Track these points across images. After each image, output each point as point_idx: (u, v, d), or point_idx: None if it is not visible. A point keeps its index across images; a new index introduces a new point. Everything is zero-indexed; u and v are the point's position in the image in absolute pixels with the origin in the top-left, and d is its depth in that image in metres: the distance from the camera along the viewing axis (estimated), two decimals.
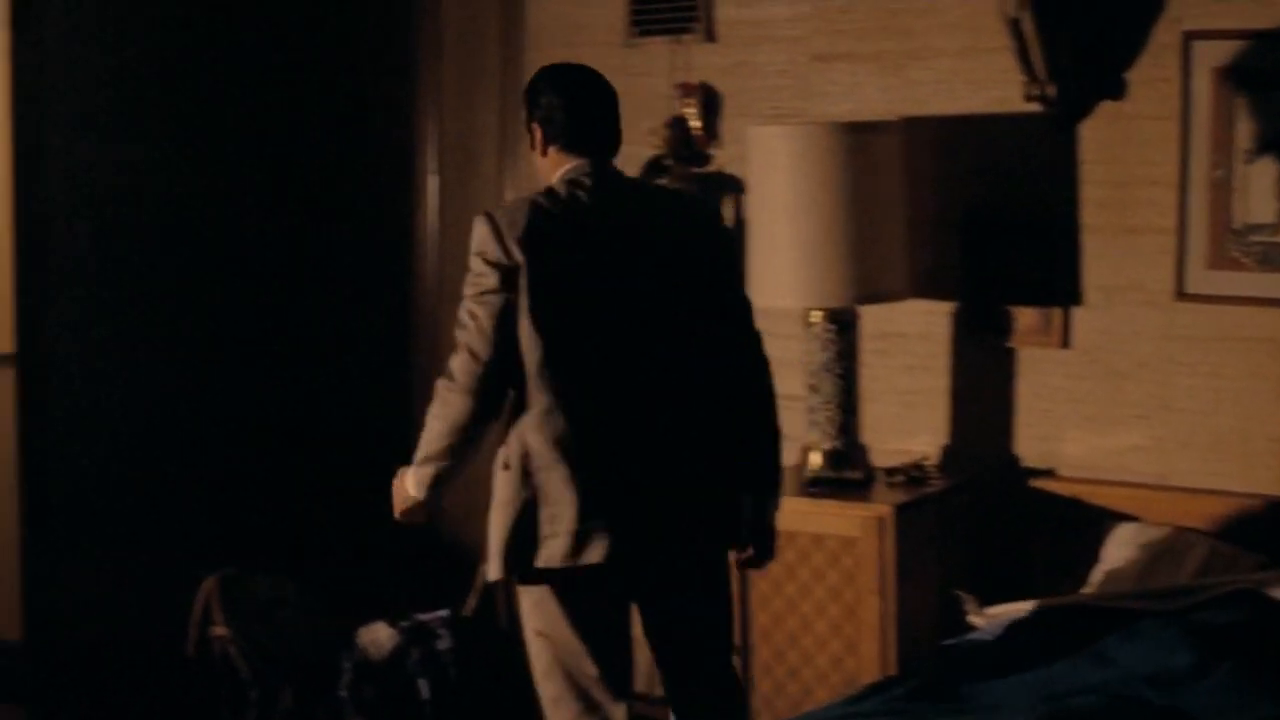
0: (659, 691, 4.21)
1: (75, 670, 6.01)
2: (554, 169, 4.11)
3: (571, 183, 4.04)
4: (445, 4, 5.92)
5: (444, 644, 5.12)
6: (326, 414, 6.10)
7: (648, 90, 5.55)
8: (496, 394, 3.93)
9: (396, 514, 4.16)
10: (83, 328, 5.90)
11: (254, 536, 5.97)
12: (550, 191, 4.03)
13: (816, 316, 4.97)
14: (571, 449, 3.92)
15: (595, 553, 3.91)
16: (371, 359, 6.08)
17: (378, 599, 5.44)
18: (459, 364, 3.90)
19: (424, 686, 5.06)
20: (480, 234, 3.93)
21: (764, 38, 5.41)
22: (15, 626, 6.66)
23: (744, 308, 4.14)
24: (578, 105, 4.11)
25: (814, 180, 4.83)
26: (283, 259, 6.14)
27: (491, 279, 3.89)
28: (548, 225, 3.94)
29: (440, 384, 3.95)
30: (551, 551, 3.92)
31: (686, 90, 5.48)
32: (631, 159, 5.47)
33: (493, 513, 4.00)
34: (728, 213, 5.44)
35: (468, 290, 3.94)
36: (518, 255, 3.89)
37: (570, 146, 4.08)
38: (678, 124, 5.46)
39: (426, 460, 4.00)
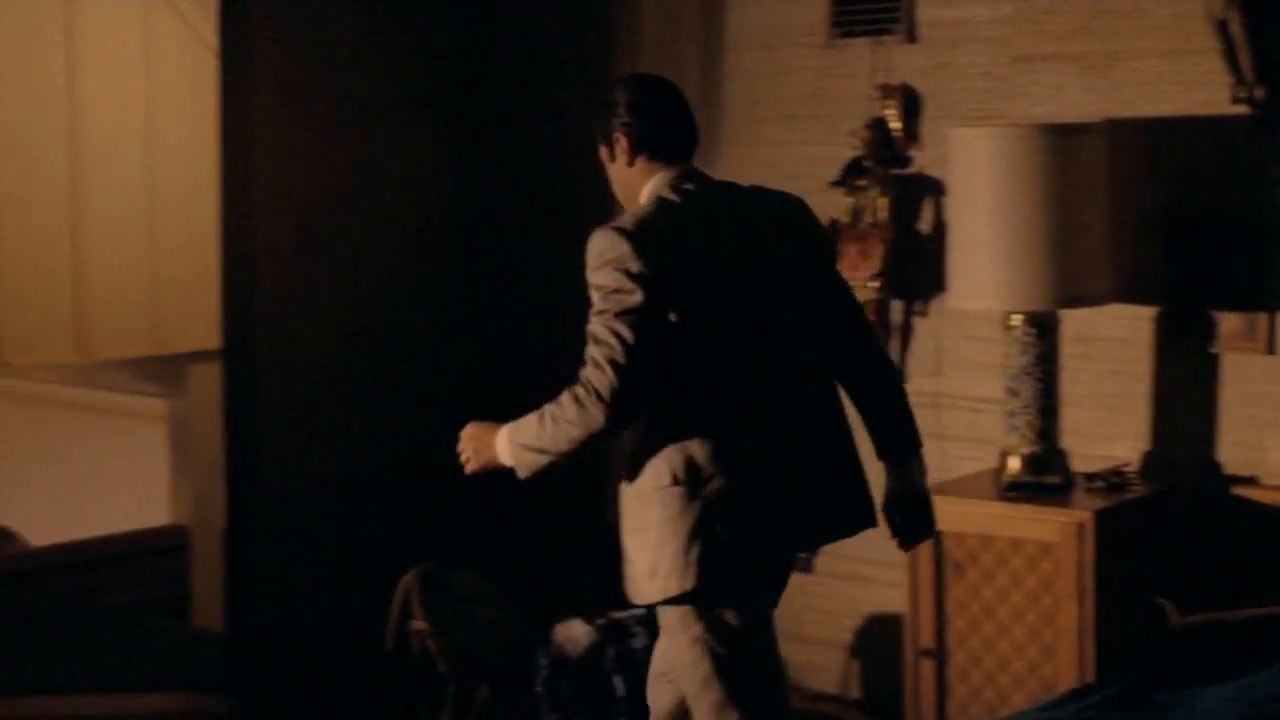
0: (854, 693, 4.21)
1: (276, 661, 6.11)
2: (642, 178, 4.10)
3: (679, 190, 4.04)
4: (644, 7, 5.94)
5: (639, 642, 5.13)
6: (526, 410, 6.14)
7: (847, 91, 5.53)
8: (636, 411, 3.88)
9: (473, 465, 4.18)
10: (287, 324, 6.00)
11: (453, 532, 6.03)
12: (666, 201, 4.02)
13: (1016, 320, 4.92)
14: (737, 460, 3.92)
15: (767, 559, 3.98)
16: (567, 358, 6.11)
17: (574, 596, 5.47)
18: (601, 380, 3.83)
19: (619, 684, 5.08)
20: (617, 248, 3.87)
21: (966, 39, 5.37)
22: (218, 618, 6.79)
23: (846, 287, 4.21)
24: (666, 113, 4.12)
25: (1016, 182, 4.78)
26: (479, 259, 6.19)
27: (637, 295, 3.83)
28: (681, 235, 3.94)
29: (579, 394, 3.87)
30: (730, 561, 3.91)
31: (887, 91, 5.45)
32: (831, 160, 5.47)
33: (658, 529, 3.93)
34: (928, 215, 5.42)
35: (607, 305, 3.87)
36: (661, 268, 3.86)
37: (660, 155, 4.09)
38: (878, 125, 5.44)
39: (544, 451, 3.97)
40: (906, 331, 5.51)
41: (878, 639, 5.56)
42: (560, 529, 6.04)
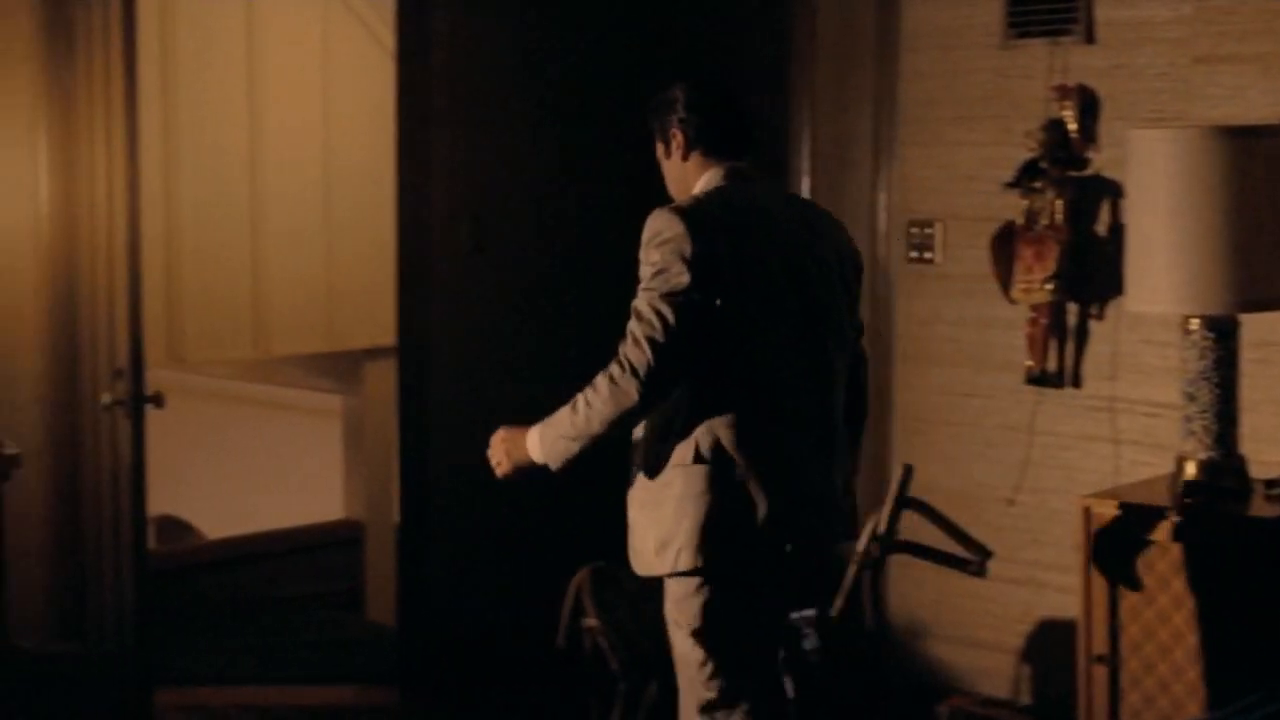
0: (1025, 699, 4.18)
1: (447, 656, 6.17)
2: (695, 174, 4.27)
3: (732, 186, 4.20)
4: (821, 7, 5.93)
5: (810, 643, 5.13)
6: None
7: (1024, 92, 5.50)
8: (668, 390, 4.01)
9: (504, 468, 4.30)
10: (461, 323, 6.06)
11: (625, 530, 6.05)
12: (720, 190, 4.19)
13: (1195, 324, 4.86)
14: (763, 448, 4.06)
15: (776, 547, 4.12)
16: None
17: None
18: (638, 356, 3.96)
19: (789, 684, 5.08)
20: (673, 229, 4.01)
21: (1144, 39, 5.31)
22: (390, 612, 6.88)
23: (856, 303, 4.37)
24: (721, 112, 4.29)
25: (1195, 185, 4.72)
26: None
27: (685, 276, 3.96)
28: (735, 225, 4.08)
29: (613, 371, 4.00)
30: (742, 543, 4.08)
31: (1064, 92, 5.41)
32: (1007, 162, 5.43)
33: (676, 504, 4.08)
34: (1104, 217, 5.37)
35: (654, 284, 4.01)
36: (714, 252, 3.98)
37: (713, 151, 4.26)
38: (1054, 127, 5.40)
39: (576, 438, 4.09)
40: (1082, 335, 5.46)
41: (1050, 644, 5.52)
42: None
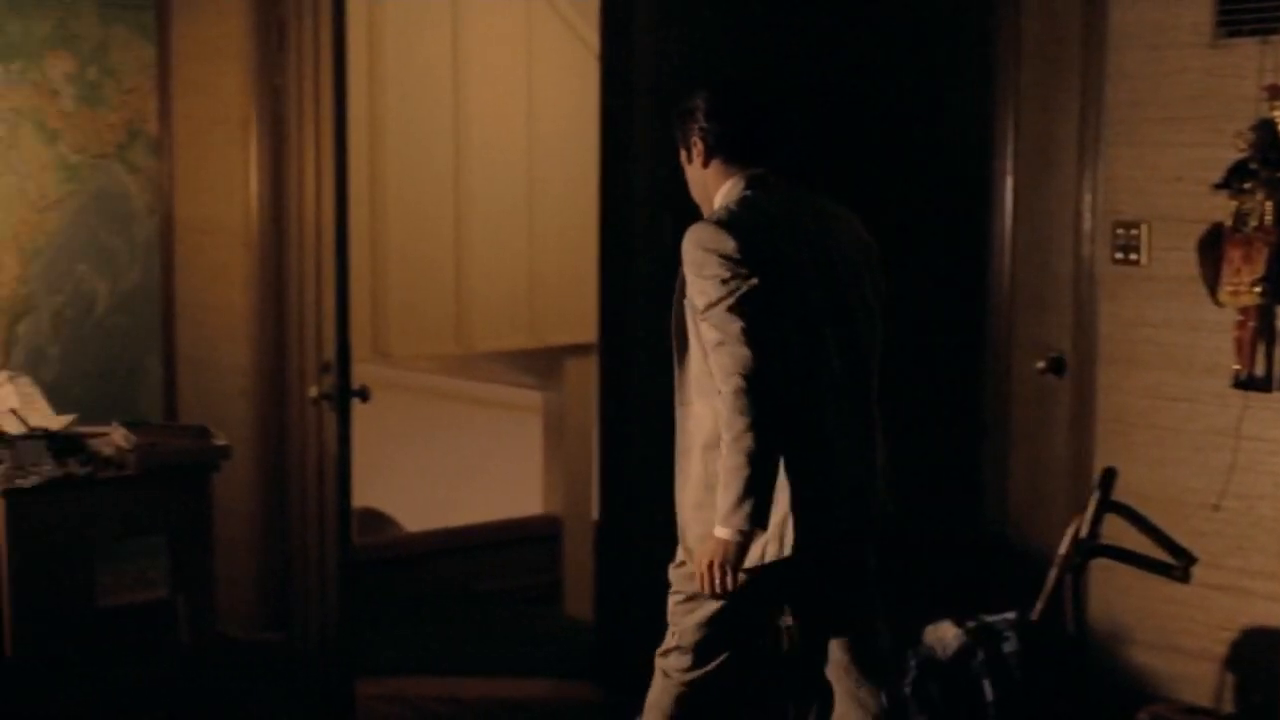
0: (1229, 707, 4.13)
1: (646, 652, 6.19)
2: (716, 180, 4.33)
3: (756, 193, 4.25)
4: (1026, 7, 5.88)
5: (1010, 646, 5.10)
6: (899, 410, 6.13)
7: (1233, 92, 5.40)
8: (773, 384, 4.02)
9: (721, 580, 4.18)
10: (662, 321, 6.08)
11: None
12: (749, 199, 4.23)
13: None
14: (798, 453, 4.11)
15: (825, 536, 4.21)
16: (943, 359, 6.09)
17: (944, 598, 5.45)
18: (736, 384, 3.99)
19: (988, 688, 5.05)
20: (718, 240, 4.07)
21: None
22: (588, 607, 6.92)
23: (881, 293, 4.41)
24: (741, 118, 4.33)
25: None
26: None
27: (752, 279, 4.02)
28: (771, 232, 4.16)
29: (725, 398, 4.02)
30: (786, 541, 4.14)
31: (1275, 92, 5.31)
32: (1216, 163, 5.35)
33: (711, 493, 4.16)
34: None
35: (717, 296, 4.04)
36: (762, 259, 4.05)
37: (734, 158, 4.31)
38: (1265, 127, 5.30)
39: (747, 489, 4.04)
40: None
41: (1254, 652, 5.43)
42: (931, 530, 6.02)
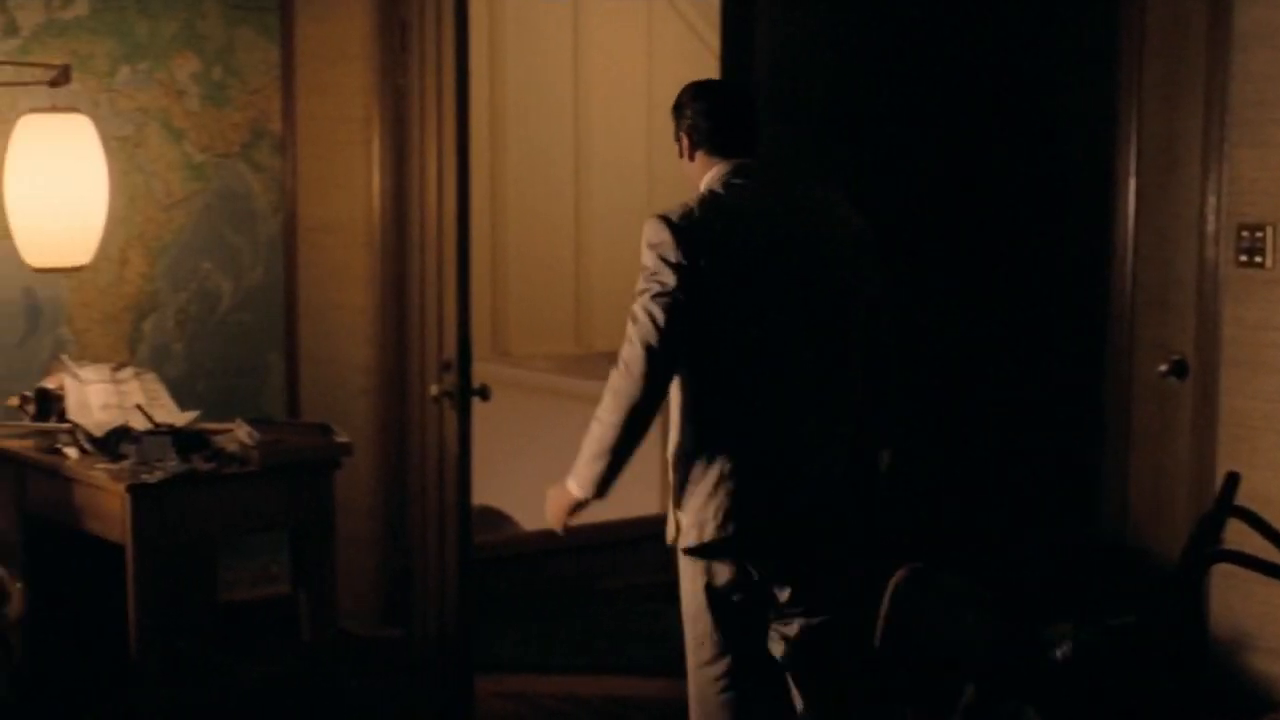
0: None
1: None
2: (701, 172, 4.60)
3: (728, 185, 4.51)
4: (1150, 4, 5.83)
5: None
6: (1018, 415, 6.11)
7: None
8: (665, 384, 4.38)
9: (559, 522, 4.63)
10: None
11: (943, 533, 6.03)
12: (713, 194, 4.50)
13: None
14: (738, 442, 4.42)
15: (755, 533, 4.48)
16: (1064, 361, 6.06)
17: (1062, 600, 5.41)
18: (633, 358, 4.32)
19: (1110, 691, 5.01)
20: (660, 236, 4.37)
21: None
22: None
23: (870, 279, 4.63)
24: (718, 112, 4.60)
25: None
26: (977, 258, 6.18)
27: (670, 279, 4.32)
28: (720, 229, 4.40)
29: (613, 377, 4.35)
30: (738, 523, 4.44)
31: None
32: None
33: (678, 490, 4.50)
34: None
35: (643, 287, 4.35)
36: (697, 258, 4.33)
37: (715, 150, 4.58)
38: None
39: (599, 455, 4.41)
40: None
41: None
42: (1049, 532, 5.99)
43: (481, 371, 5.94)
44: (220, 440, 5.47)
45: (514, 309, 7.34)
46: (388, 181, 6.27)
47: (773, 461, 4.48)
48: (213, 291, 6.44)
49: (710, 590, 4.62)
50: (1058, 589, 5.69)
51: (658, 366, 4.33)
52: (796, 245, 4.50)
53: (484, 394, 5.78)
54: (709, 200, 4.51)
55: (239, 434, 5.46)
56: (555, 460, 7.17)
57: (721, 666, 4.70)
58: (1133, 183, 5.86)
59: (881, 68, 6.11)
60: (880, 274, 4.69)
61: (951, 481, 6.17)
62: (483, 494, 6.46)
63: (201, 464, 5.32)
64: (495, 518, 7.87)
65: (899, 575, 5.22)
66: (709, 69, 6.53)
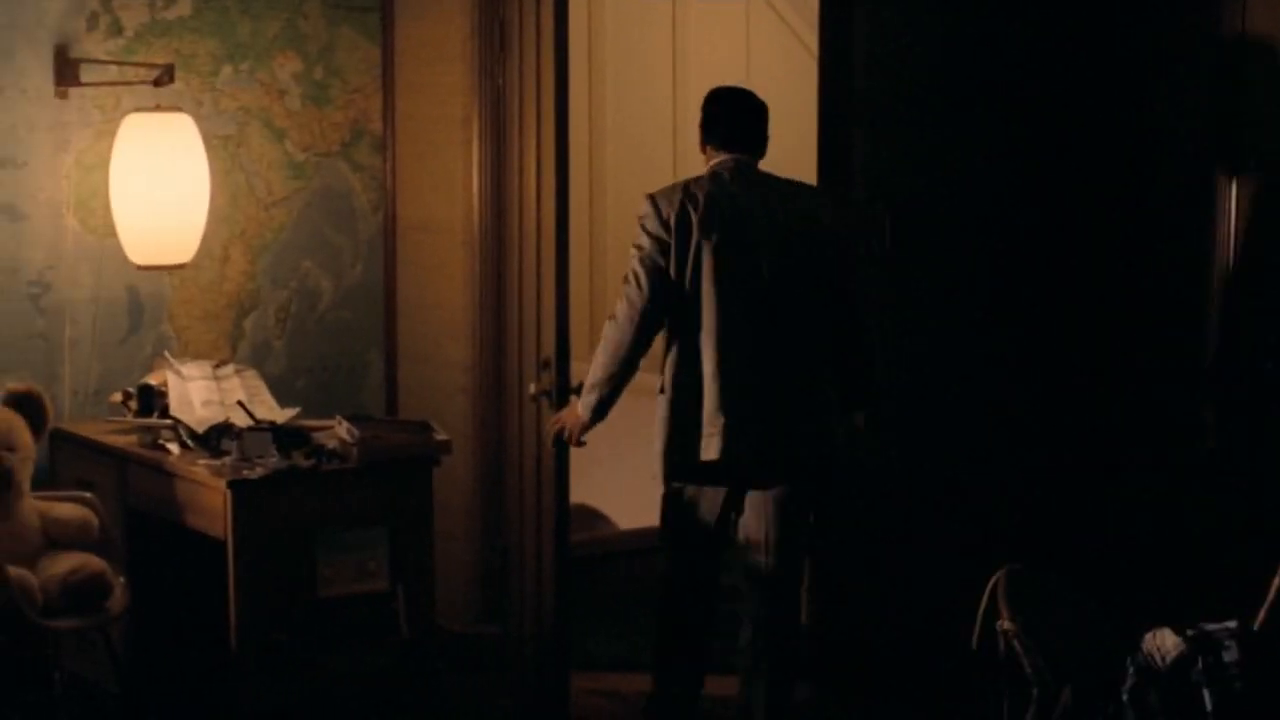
0: None
1: (858, 653, 6.19)
2: (707, 162, 5.46)
3: (715, 174, 5.39)
4: (1250, 4, 5.77)
5: (1230, 655, 5.01)
6: (1117, 414, 6.07)
7: None
8: (647, 334, 5.24)
9: (573, 434, 5.50)
10: (880, 320, 6.07)
11: (1044, 534, 6.00)
12: (699, 179, 5.36)
13: None
14: (701, 386, 5.25)
15: (729, 454, 5.26)
16: (1161, 359, 6.01)
17: (1165, 604, 5.37)
18: (621, 310, 5.25)
19: (1207, 697, 4.97)
20: (644, 209, 5.27)
21: None
22: (801, 609, 6.90)
23: (842, 273, 5.41)
24: (724, 113, 5.48)
25: None
26: (1074, 259, 6.14)
27: (647, 244, 5.22)
28: (692, 205, 5.26)
29: (607, 324, 5.29)
30: (703, 454, 5.27)
31: None
32: None
33: (657, 426, 5.35)
34: None
35: (632, 251, 5.27)
36: (669, 229, 5.19)
37: (718, 144, 5.46)
38: None
39: (593, 387, 5.34)
40: None
41: None
42: (1150, 535, 5.94)
43: (580, 370, 5.95)
44: (320, 437, 5.51)
45: (610, 308, 7.35)
46: (486, 181, 6.30)
47: (722, 410, 5.24)
48: (313, 289, 6.49)
49: (676, 505, 5.47)
50: (1160, 593, 5.65)
51: (636, 317, 5.21)
52: (759, 230, 5.30)
53: (580, 392, 5.79)
54: (693, 183, 5.36)
55: (338, 431, 5.49)
56: (648, 458, 7.18)
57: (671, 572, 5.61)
58: (1234, 180, 5.80)
59: (979, 62, 6.07)
60: (852, 270, 5.48)
61: (1049, 486, 6.13)
62: (578, 492, 6.47)
63: (301, 461, 5.36)
64: (591, 516, 7.88)
65: (999, 575, 5.20)
66: (806, 68, 6.52)
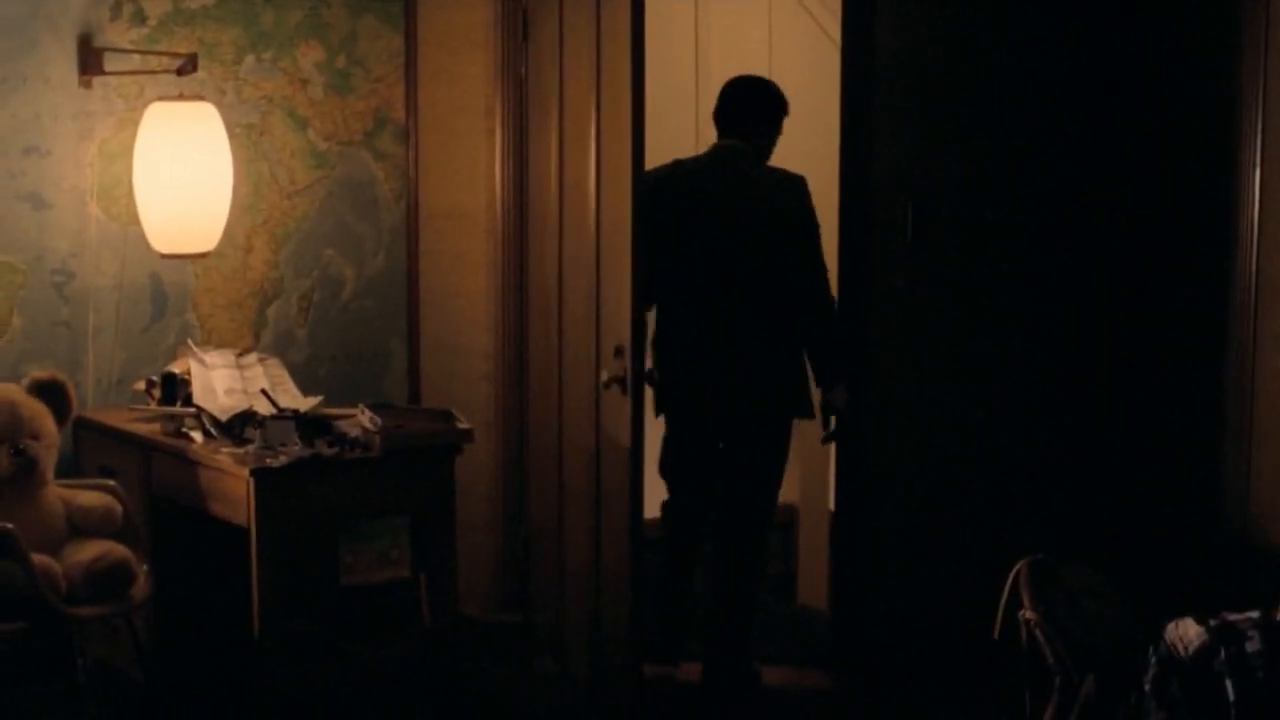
0: None
1: (881, 643, 6.19)
2: None
3: (698, 156, 6.09)
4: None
5: (1253, 646, 5.00)
6: (1138, 406, 6.07)
7: None
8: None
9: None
10: (902, 311, 6.07)
11: (1066, 523, 6.00)
12: (681, 160, 6.04)
13: None
14: (671, 346, 5.98)
15: (661, 405, 6.05)
16: (1183, 351, 6.00)
17: (1186, 594, 5.37)
18: None
19: (1230, 688, 4.96)
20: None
21: None
22: (822, 596, 6.93)
23: (812, 258, 5.90)
24: (723, 102, 6.05)
25: None
26: (1095, 250, 6.13)
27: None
28: (667, 185, 5.89)
29: None
30: (662, 403, 6.03)
31: None
32: None
33: None
34: None
35: None
36: (647, 204, 5.35)
37: (718, 131, 6.05)
38: None
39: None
40: None
41: None
42: (1174, 525, 5.94)
43: None
44: (343, 425, 5.51)
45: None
46: (509, 169, 6.30)
47: (681, 368, 5.97)
48: (336, 278, 6.50)
49: (665, 445, 6.18)
50: (1177, 585, 5.65)
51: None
52: (712, 211, 5.87)
53: (651, 379, 5.79)
54: (675, 164, 6.00)
55: (361, 419, 5.50)
56: None
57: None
58: (1257, 175, 5.80)
59: (1001, 53, 6.07)
60: (809, 255, 5.88)
61: (1071, 476, 6.13)
62: None
63: (324, 449, 5.36)
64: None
65: (1020, 565, 5.20)
66: (830, 61, 6.51)
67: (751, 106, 6.01)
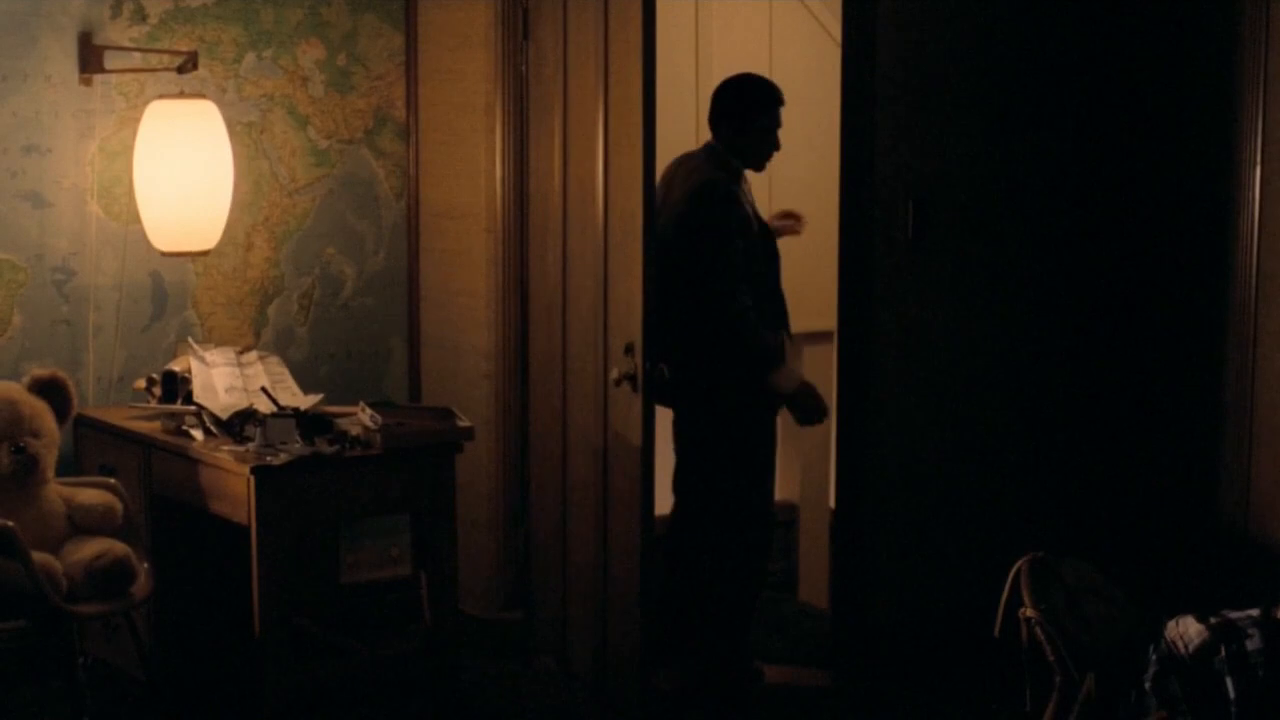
0: None
1: (881, 641, 6.19)
2: None
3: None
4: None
5: (1253, 644, 5.00)
6: (1137, 404, 6.06)
7: None
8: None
9: None
10: (902, 309, 6.07)
11: (1066, 521, 6.00)
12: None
13: None
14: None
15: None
16: (1182, 351, 6.00)
17: (1186, 592, 5.37)
18: None
19: (1230, 686, 4.96)
20: None
21: None
22: (822, 594, 6.93)
23: (682, 270, 5.90)
24: (714, 104, 6.13)
25: None
26: (1095, 248, 6.13)
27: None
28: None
29: None
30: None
31: None
32: None
33: None
34: None
35: None
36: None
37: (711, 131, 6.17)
38: None
39: None
40: None
41: None
42: (1174, 523, 5.94)
43: None
44: (343, 424, 5.52)
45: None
46: (509, 168, 6.30)
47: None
48: (336, 276, 6.50)
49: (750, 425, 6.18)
50: (1177, 583, 5.65)
51: None
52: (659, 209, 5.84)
53: (663, 375, 5.74)
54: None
55: (362, 417, 5.50)
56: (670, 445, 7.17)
57: None
58: (1258, 173, 5.79)
59: (1002, 49, 6.06)
60: (684, 270, 5.88)
61: (1071, 474, 6.13)
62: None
63: (325, 447, 5.37)
64: None
65: (1021, 563, 5.20)
66: (831, 59, 6.50)
67: (716, 106, 6.09)
